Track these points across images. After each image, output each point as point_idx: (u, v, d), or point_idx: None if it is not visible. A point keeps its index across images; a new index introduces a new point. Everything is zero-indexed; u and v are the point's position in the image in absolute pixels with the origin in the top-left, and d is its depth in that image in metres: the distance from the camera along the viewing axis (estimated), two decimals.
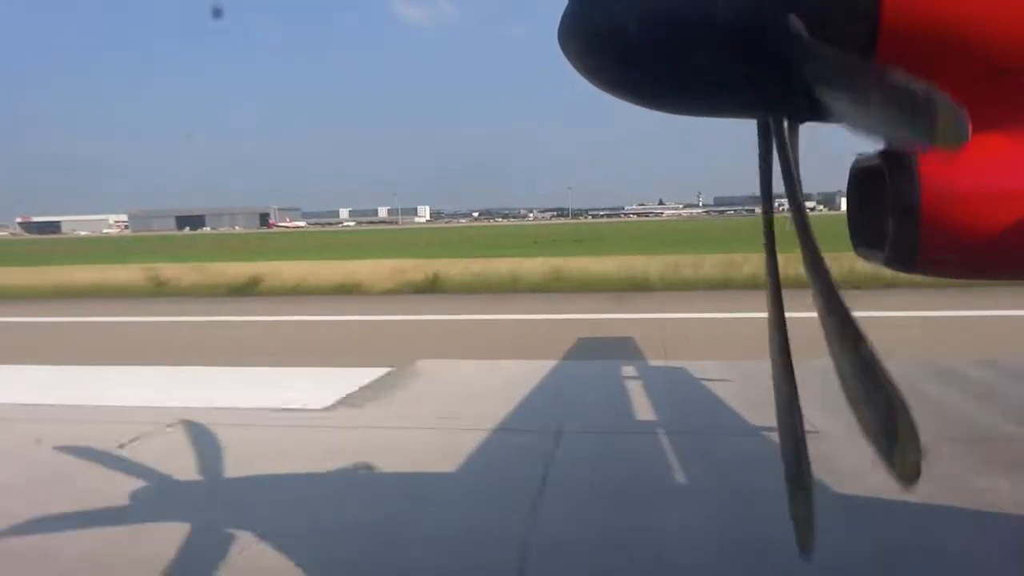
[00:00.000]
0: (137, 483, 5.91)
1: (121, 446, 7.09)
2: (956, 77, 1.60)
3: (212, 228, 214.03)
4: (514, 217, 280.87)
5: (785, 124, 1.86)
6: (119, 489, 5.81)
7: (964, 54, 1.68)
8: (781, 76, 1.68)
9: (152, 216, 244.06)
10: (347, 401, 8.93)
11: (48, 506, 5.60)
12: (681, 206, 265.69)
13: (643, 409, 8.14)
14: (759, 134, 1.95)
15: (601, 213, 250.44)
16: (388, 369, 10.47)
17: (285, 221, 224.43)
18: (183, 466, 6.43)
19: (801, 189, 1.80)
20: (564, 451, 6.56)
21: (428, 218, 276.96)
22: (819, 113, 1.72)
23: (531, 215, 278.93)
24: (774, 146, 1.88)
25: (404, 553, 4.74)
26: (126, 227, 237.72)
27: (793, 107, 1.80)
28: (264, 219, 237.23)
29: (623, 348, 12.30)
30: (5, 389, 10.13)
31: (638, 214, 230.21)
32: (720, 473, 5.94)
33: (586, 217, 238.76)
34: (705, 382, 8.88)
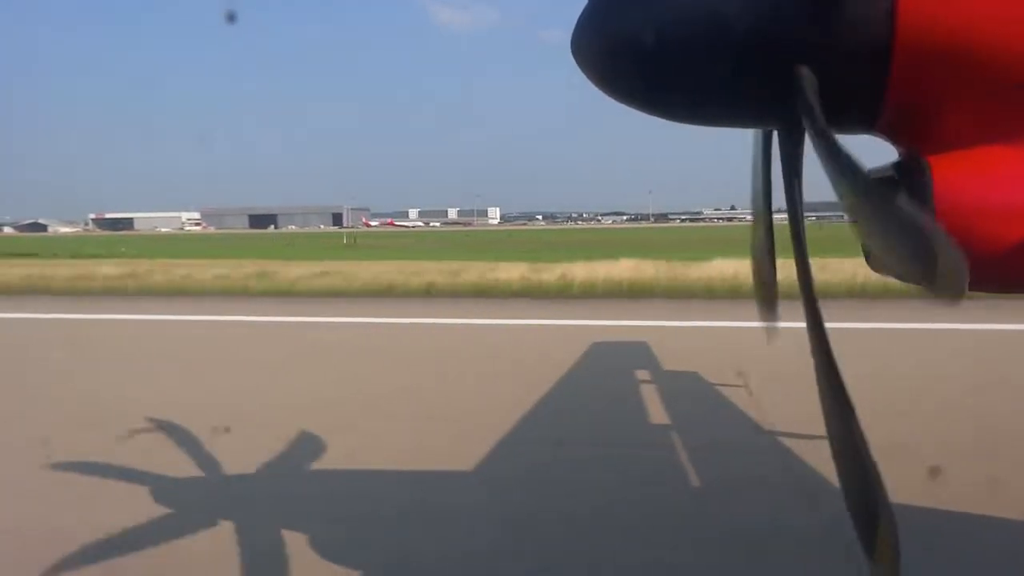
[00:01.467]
0: None
1: None
2: (971, 90, 1.67)
3: (296, 226, 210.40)
4: (580, 220, 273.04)
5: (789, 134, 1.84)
6: None
7: (979, 68, 1.66)
8: (782, 89, 1.66)
9: (224, 214, 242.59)
10: None
11: None
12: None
13: (656, 415, 8.04)
14: (764, 144, 2.03)
15: (682, 217, 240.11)
16: None
17: (363, 220, 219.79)
18: None
19: (802, 202, 1.79)
20: (572, 457, 6.63)
21: (499, 220, 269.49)
22: (834, 125, 1.65)
23: (608, 219, 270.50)
24: (774, 155, 1.94)
25: (403, 555, 4.89)
26: (196, 224, 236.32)
27: (796, 118, 1.74)
28: (337, 218, 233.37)
29: (637, 353, 11.19)
30: None
31: (721, 219, 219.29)
32: (732, 480, 5.99)
33: (672, 220, 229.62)
34: (718, 387, 8.77)
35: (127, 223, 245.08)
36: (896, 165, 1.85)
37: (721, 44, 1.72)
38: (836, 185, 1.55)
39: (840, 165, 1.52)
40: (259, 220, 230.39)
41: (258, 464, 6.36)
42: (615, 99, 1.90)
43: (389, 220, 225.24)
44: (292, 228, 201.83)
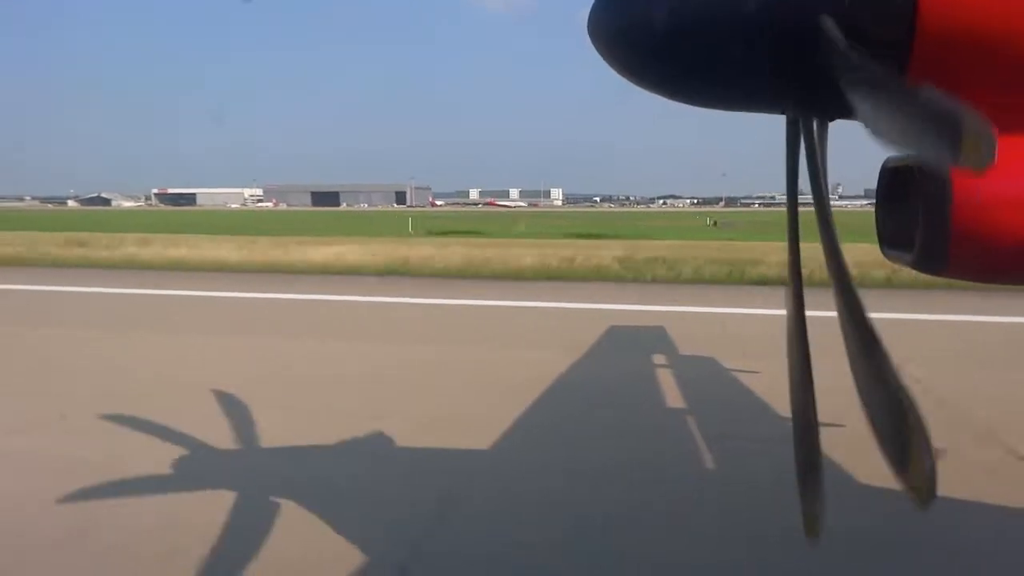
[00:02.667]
0: None
1: None
2: (992, 79, 1.65)
3: (348, 204, 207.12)
4: (631, 203, 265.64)
5: (815, 121, 1.85)
6: None
7: (999, 58, 1.65)
8: (811, 73, 1.65)
9: (286, 191, 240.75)
10: None
11: None
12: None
13: (672, 399, 7.64)
14: (787, 130, 1.96)
15: (755, 202, 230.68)
16: None
17: (429, 199, 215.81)
18: None
19: (827, 187, 1.81)
20: (587, 442, 6.26)
21: (561, 201, 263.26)
22: (851, 111, 1.61)
23: (659, 203, 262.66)
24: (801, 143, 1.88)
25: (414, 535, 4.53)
26: (259, 201, 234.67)
27: (823, 104, 1.77)
28: (401, 197, 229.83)
29: (653, 337, 10.58)
30: None
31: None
32: (747, 465, 5.73)
33: (748, 204, 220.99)
34: (734, 373, 8.42)
35: (189, 198, 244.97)
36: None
37: (739, 26, 1.70)
38: (856, 90, 1.49)
39: (862, 65, 1.48)
40: (322, 198, 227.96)
41: None
42: (632, 82, 1.87)
43: (490, 200, 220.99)
44: (364, 206, 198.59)
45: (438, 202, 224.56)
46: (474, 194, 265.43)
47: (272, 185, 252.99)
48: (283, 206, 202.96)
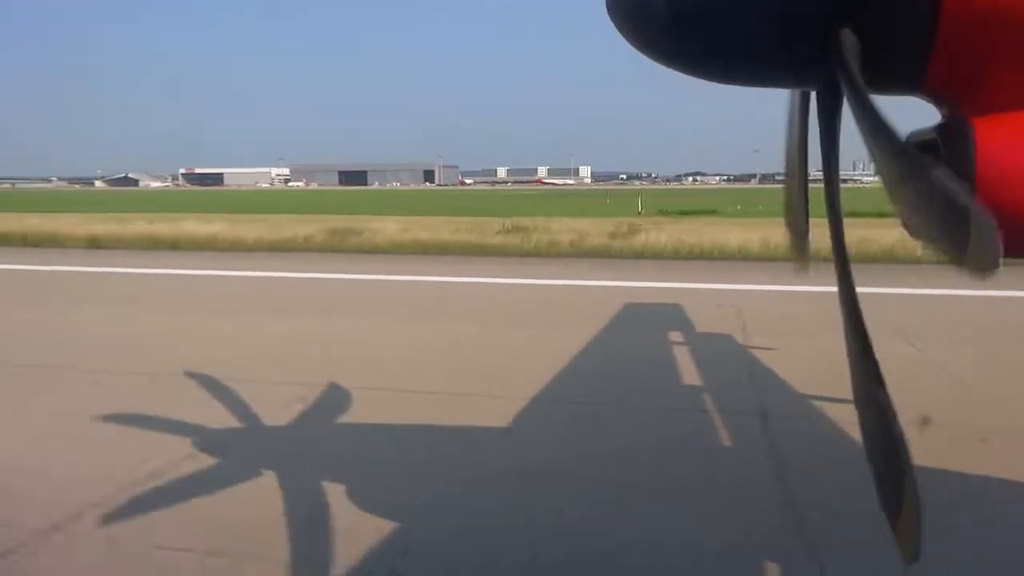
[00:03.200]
0: None
1: None
2: (1021, 53, 1.59)
3: (399, 183, 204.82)
4: (660, 180, 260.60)
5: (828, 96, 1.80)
6: None
7: None
8: (824, 49, 1.61)
9: (313, 170, 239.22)
10: None
11: None
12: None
13: (688, 377, 7.50)
14: (800, 103, 2.00)
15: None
16: None
17: (457, 179, 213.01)
18: None
19: (838, 166, 1.80)
20: (604, 421, 6.17)
21: (590, 179, 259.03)
22: (877, 86, 1.59)
23: (688, 180, 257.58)
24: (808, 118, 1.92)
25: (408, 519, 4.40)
26: (287, 181, 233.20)
27: (836, 79, 1.67)
28: (429, 175, 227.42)
29: (669, 315, 10.34)
30: None
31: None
32: (764, 443, 5.62)
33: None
34: (752, 351, 8.28)
35: (216, 178, 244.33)
36: (939, 128, 1.75)
37: (760, 1, 1.69)
38: (870, 148, 1.47)
39: (876, 127, 1.43)
40: (349, 177, 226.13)
41: None
42: (650, 57, 1.83)
43: (538, 179, 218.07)
44: (396, 185, 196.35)
45: (468, 181, 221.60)
46: (502, 172, 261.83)
47: (299, 164, 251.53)
48: (314, 185, 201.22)
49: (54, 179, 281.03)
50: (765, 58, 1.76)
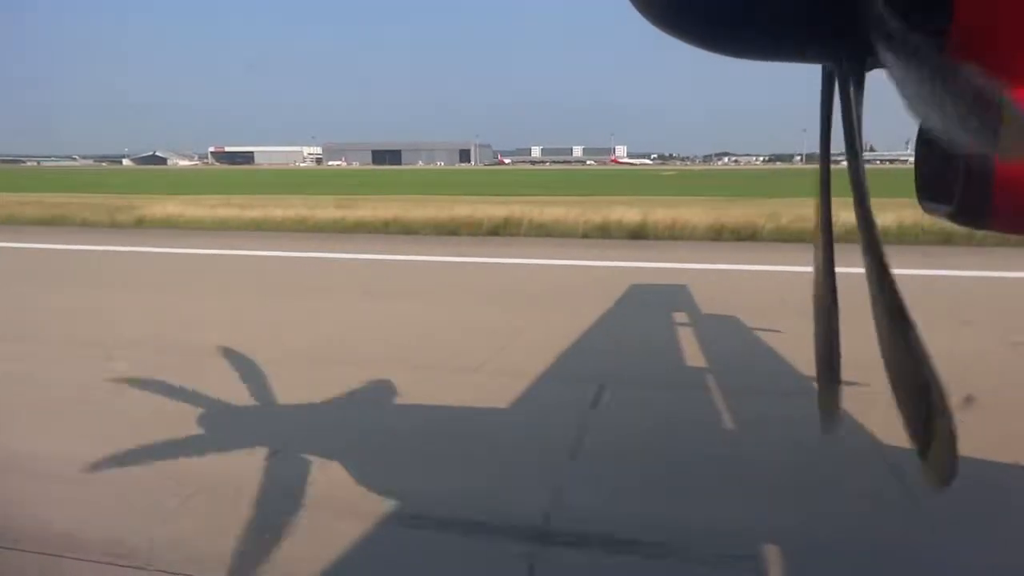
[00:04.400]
0: None
1: None
2: None
3: (440, 162, 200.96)
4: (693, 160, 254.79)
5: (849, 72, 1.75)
6: None
7: None
8: (846, 21, 1.54)
9: (346, 149, 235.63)
10: None
11: None
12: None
13: (692, 358, 7.65)
14: (824, 84, 1.89)
15: (841, 159, 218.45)
16: None
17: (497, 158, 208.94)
18: None
19: (861, 143, 1.74)
20: (607, 401, 6.30)
21: (627, 159, 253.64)
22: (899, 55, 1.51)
23: (720, 161, 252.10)
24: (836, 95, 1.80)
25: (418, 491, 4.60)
26: (319, 160, 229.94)
27: (860, 54, 1.65)
28: (465, 155, 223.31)
29: (675, 295, 10.62)
30: None
31: (884, 160, 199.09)
32: (767, 424, 5.73)
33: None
34: (757, 332, 8.36)
35: (247, 156, 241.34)
36: None
37: None
38: (896, 67, 1.36)
39: (901, 35, 1.34)
40: (383, 156, 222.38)
41: None
42: (669, 34, 1.72)
43: (613, 158, 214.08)
44: (441, 164, 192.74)
45: (506, 160, 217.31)
46: (536, 152, 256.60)
47: (332, 143, 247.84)
48: (356, 164, 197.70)
49: (76, 157, 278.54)
50: (785, 31, 1.67)
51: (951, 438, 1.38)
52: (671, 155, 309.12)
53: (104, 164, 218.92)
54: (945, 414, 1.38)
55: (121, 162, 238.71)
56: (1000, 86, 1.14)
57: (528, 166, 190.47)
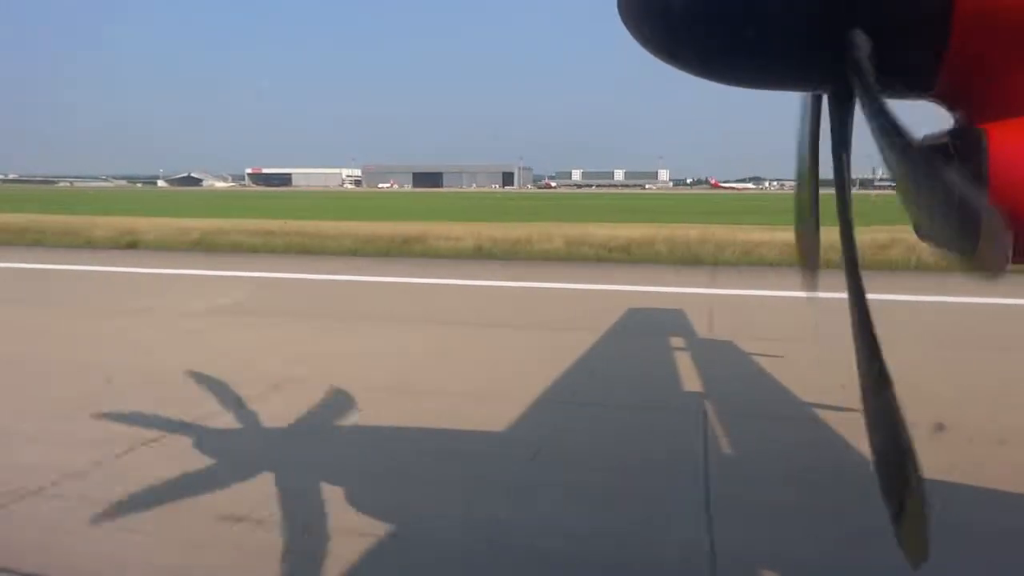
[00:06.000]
0: None
1: None
2: None
3: (463, 186, 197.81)
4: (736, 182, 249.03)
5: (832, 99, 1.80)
6: None
7: None
8: (836, 51, 1.59)
9: (385, 172, 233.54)
10: None
11: None
12: None
13: (690, 383, 7.73)
14: (812, 108, 1.92)
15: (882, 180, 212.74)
16: None
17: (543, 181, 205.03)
18: None
19: (849, 171, 1.76)
20: (604, 426, 6.40)
21: (671, 183, 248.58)
22: (889, 90, 1.57)
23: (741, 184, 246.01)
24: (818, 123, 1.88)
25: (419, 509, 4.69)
26: (357, 183, 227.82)
27: (848, 83, 1.65)
28: (508, 178, 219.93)
29: (672, 320, 10.85)
30: None
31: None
32: (770, 453, 5.76)
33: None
34: (755, 357, 8.48)
35: (284, 178, 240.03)
36: (951, 132, 1.74)
37: (772, 3, 1.66)
38: (883, 150, 1.46)
39: (888, 128, 1.42)
40: (423, 179, 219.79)
41: None
42: (659, 59, 1.79)
43: (714, 181, 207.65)
44: (495, 187, 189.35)
45: (552, 184, 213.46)
46: (576, 175, 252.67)
47: (372, 166, 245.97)
48: (407, 187, 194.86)
49: (107, 177, 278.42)
50: (776, 60, 1.70)
51: (923, 518, 1.35)
52: (705, 178, 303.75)
53: (139, 185, 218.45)
54: (919, 490, 1.36)
55: (156, 183, 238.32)
56: (983, 200, 1.19)
57: (575, 189, 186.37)
